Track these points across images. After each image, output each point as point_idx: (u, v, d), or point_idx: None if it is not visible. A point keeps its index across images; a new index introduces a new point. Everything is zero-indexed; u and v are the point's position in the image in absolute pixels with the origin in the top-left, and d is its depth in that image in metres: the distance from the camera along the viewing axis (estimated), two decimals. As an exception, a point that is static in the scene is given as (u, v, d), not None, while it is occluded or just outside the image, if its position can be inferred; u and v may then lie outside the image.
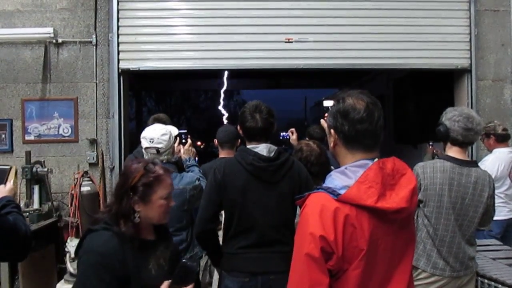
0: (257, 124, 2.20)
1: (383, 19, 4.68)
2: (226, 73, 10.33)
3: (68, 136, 4.57)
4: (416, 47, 4.71)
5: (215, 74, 10.55)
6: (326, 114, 2.30)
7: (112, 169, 4.55)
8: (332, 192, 1.35)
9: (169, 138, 2.57)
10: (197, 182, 2.61)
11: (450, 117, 2.47)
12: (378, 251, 1.35)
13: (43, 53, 4.56)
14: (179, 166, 2.74)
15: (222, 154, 3.44)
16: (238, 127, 2.32)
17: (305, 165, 2.49)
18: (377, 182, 1.34)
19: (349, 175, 1.39)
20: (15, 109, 4.53)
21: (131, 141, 4.92)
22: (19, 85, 4.56)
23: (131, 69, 4.57)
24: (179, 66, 4.63)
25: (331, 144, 1.54)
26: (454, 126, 2.42)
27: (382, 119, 1.46)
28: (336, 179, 1.40)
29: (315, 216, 1.33)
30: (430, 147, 4.95)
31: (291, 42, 4.62)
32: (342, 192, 1.34)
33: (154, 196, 1.69)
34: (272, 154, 2.20)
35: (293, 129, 4.02)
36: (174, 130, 2.71)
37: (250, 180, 2.16)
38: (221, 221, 2.51)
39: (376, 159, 1.43)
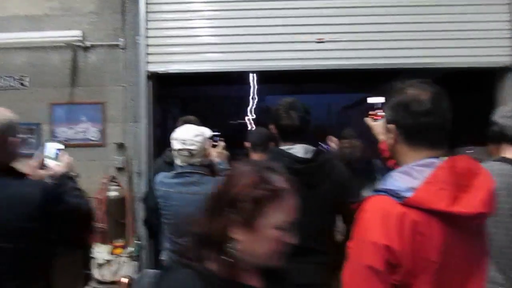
0: (292, 122, 2.05)
1: (419, 16, 4.47)
2: (252, 77, 10.28)
3: (96, 140, 4.51)
4: (455, 45, 4.47)
5: (238, 80, 10.48)
6: (372, 112, 2.14)
7: (139, 174, 4.45)
8: (395, 195, 1.18)
9: (203, 139, 2.44)
10: None
11: (503, 114, 2.26)
12: (451, 264, 1.17)
13: (71, 57, 4.53)
14: (212, 170, 2.61)
15: (254, 157, 3.29)
16: (271, 126, 2.17)
17: (349, 162, 2.35)
18: (448, 183, 1.16)
19: (414, 175, 1.22)
20: (43, 113, 4.50)
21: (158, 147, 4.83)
22: (47, 89, 4.53)
23: (159, 72, 4.48)
24: (208, 68, 4.52)
25: (390, 141, 1.37)
26: (509, 122, 2.21)
27: (450, 111, 1.29)
28: (398, 180, 1.23)
29: (376, 222, 1.16)
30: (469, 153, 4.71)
31: (323, 42, 4.46)
32: (407, 195, 1.16)
33: (266, 220, 1.11)
34: (309, 155, 2.03)
35: (330, 136, 3.85)
36: (207, 132, 2.58)
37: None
38: None
39: (444, 157, 1.26)
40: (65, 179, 1.88)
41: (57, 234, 1.71)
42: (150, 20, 4.50)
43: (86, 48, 4.52)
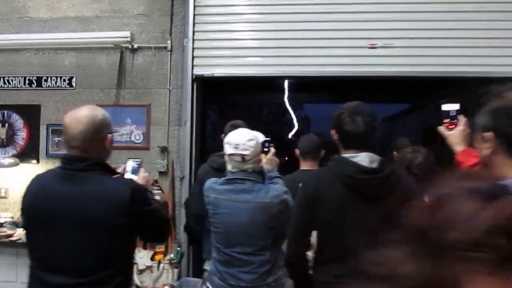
0: (358, 128, 1.86)
1: (482, 23, 4.19)
2: (288, 83, 10.14)
3: (139, 143, 4.47)
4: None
5: (277, 87, 10.35)
6: (446, 121, 1.93)
7: (182, 179, 4.37)
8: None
9: (256, 144, 2.30)
10: (285, 196, 2.31)
11: None
12: None
13: (119, 59, 4.52)
14: (263, 177, 2.47)
15: (304, 165, 3.13)
16: (332, 132, 1.99)
17: (410, 169, 2.17)
18: None
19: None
20: (89, 114, 4.50)
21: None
22: (94, 90, 4.54)
23: (205, 75, 4.40)
24: (254, 73, 4.40)
25: (485, 152, 1.19)
26: None
27: None
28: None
29: None
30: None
31: (375, 47, 4.26)
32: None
33: None
34: (374, 165, 1.85)
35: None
36: (260, 137, 2.44)
37: (348, 195, 1.82)
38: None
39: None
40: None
41: (139, 232, 1.81)
42: (197, 23, 4.44)
43: (133, 50, 4.50)
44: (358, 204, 1.82)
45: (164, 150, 4.40)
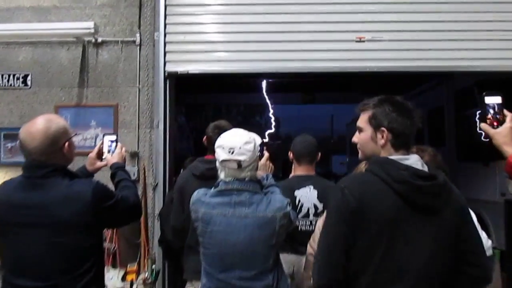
0: (412, 123, 1.54)
1: (471, 14, 3.99)
2: (265, 84, 9.83)
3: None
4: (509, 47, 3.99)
5: (250, 88, 10.02)
6: (490, 116, 1.62)
7: (155, 187, 3.93)
8: None
9: (254, 148, 1.93)
10: (288, 208, 1.95)
11: None
12: None
13: (81, 54, 4.04)
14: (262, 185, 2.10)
15: (299, 170, 2.78)
16: (383, 129, 1.57)
17: None
18: None
19: None
20: (48, 116, 3.99)
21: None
22: (53, 89, 4.03)
23: (179, 72, 3.98)
24: (232, 69, 4.02)
25: None
26: None
27: None
28: None
29: None
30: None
31: (363, 41, 3.97)
32: None
33: None
34: (426, 169, 1.52)
35: None
36: (258, 139, 2.08)
37: (401, 207, 1.46)
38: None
39: None
40: (118, 169, 2.14)
41: (107, 225, 1.95)
42: (169, 15, 4.02)
43: (97, 44, 4.03)
44: (412, 217, 1.46)
45: (134, 155, 3.95)
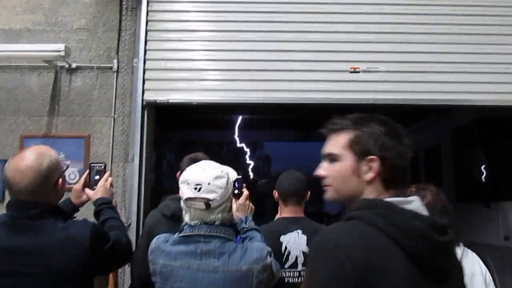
0: (408, 152, 1.16)
1: (472, 46, 3.76)
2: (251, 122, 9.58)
3: (74, 184, 3.59)
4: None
5: (237, 124, 9.77)
6: None
7: (127, 227, 3.52)
8: None
9: (226, 183, 1.57)
10: (268, 259, 1.58)
11: None
12: None
13: (53, 80, 3.72)
14: (237, 230, 1.73)
15: (285, 212, 2.41)
16: (374, 164, 1.16)
17: None
18: None
19: None
20: (12, 147, 3.61)
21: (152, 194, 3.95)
22: (19, 118, 3.68)
23: (158, 101, 3.66)
24: (218, 99, 3.71)
25: None
26: None
27: None
28: None
29: None
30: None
31: (358, 72, 3.71)
32: None
33: None
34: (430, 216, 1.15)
35: None
36: (232, 173, 1.72)
37: (414, 271, 1.01)
38: None
39: None
40: (103, 206, 1.88)
41: (100, 270, 1.74)
42: (150, 40, 3.75)
43: (71, 70, 3.72)
44: (425, 285, 1.04)
45: (105, 191, 3.56)
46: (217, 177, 1.54)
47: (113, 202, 3.41)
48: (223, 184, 1.55)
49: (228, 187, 1.58)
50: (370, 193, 1.13)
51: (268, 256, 1.58)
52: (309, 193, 2.44)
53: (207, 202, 1.52)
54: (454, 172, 6.97)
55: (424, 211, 1.10)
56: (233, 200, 2.04)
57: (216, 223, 1.55)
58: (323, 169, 1.20)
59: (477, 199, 6.24)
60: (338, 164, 1.17)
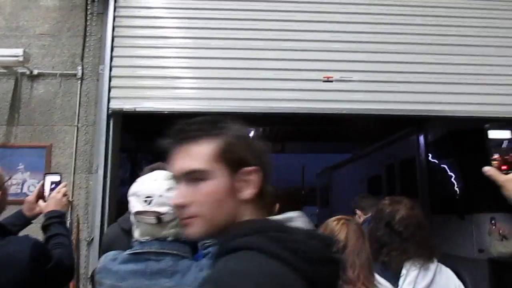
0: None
1: (445, 57, 3.74)
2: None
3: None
4: (488, 92, 3.73)
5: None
6: (495, 157, 1.19)
7: (90, 242, 3.33)
8: None
9: (181, 196, 1.43)
10: None
11: None
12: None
13: (13, 87, 3.53)
14: (194, 246, 1.59)
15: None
16: (245, 169, 0.92)
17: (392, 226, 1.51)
18: None
19: None
20: (-34, 158, 3.41)
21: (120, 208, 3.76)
22: (-25, 126, 3.48)
23: (124, 110, 3.51)
24: (189, 108, 3.56)
25: None
26: None
27: None
28: None
29: None
30: (494, 226, 3.93)
31: (331, 81, 3.63)
32: None
33: None
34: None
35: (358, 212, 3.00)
36: None
37: None
38: None
39: None
40: (52, 220, 1.77)
41: None
42: (117, 46, 3.60)
43: (33, 77, 3.55)
44: None
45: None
46: (169, 189, 1.40)
47: (71, 215, 3.24)
48: None
49: None
50: (248, 216, 0.88)
51: None
52: (277, 205, 2.32)
53: (159, 216, 1.37)
54: (429, 184, 6.98)
55: (310, 226, 0.95)
56: None
57: (169, 239, 1.41)
58: (182, 195, 0.88)
59: (451, 211, 6.23)
60: (207, 184, 0.87)
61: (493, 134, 1.22)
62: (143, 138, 9.58)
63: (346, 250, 1.57)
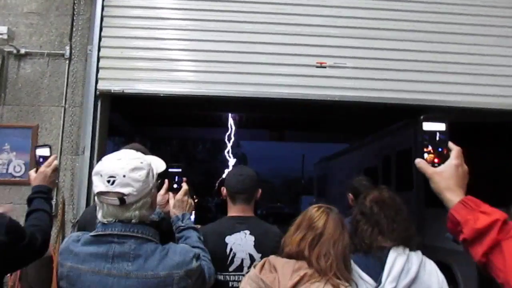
0: None
1: (443, 45, 3.65)
2: (229, 118, 9.37)
3: (19, 177, 3.36)
4: (484, 82, 3.64)
5: (214, 122, 9.56)
6: (429, 149, 1.14)
7: (75, 225, 3.29)
8: None
9: (146, 176, 1.37)
10: (194, 263, 1.39)
11: None
12: None
13: (-1, 66, 3.47)
14: (164, 229, 1.53)
15: (234, 211, 2.21)
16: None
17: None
18: None
19: None
20: (-49, 137, 3.36)
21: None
22: (-40, 105, 3.42)
23: (112, 91, 3.45)
24: (178, 91, 3.50)
25: None
26: None
27: None
28: None
29: None
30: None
31: (324, 67, 3.55)
32: None
33: None
34: None
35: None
36: (158, 164, 1.52)
37: None
38: None
39: None
40: (36, 195, 1.78)
41: (10, 271, 1.66)
42: (106, 27, 3.53)
43: (20, 56, 3.48)
44: None
45: (52, 186, 3.32)
46: (134, 169, 1.34)
47: (57, 196, 3.20)
48: (142, 177, 1.35)
49: (149, 180, 1.38)
50: None
51: (194, 260, 1.39)
52: (260, 191, 2.26)
53: (122, 197, 1.31)
54: (424, 177, 6.87)
55: None
56: (171, 195, 1.85)
57: (133, 221, 1.35)
58: None
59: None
60: None
61: (428, 126, 1.18)
62: (142, 124, 9.57)
63: (322, 238, 1.51)
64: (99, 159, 3.37)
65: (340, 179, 10.69)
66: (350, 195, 3.08)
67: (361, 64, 3.59)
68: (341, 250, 1.50)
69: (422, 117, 1.20)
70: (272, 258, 1.50)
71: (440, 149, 1.17)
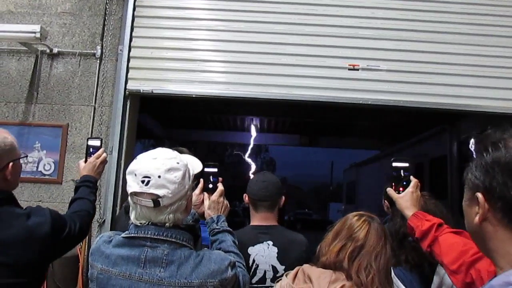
0: None
1: (483, 48, 3.49)
2: (255, 123, 9.30)
3: (49, 175, 3.38)
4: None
5: (241, 126, 9.52)
6: (396, 181, 1.70)
7: (101, 224, 3.29)
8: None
9: (183, 177, 1.31)
10: (229, 272, 1.32)
11: None
12: None
13: (32, 65, 3.51)
14: (196, 234, 1.47)
15: (256, 219, 2.13)
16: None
17: None
18: None
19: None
20: (-15, 134, 3.40)
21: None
22: (-6, 103, 3.47)
23: (142, 91, 3.43)
24: (207, 92, 3.46)
25: (475, 218, 0.95)
26: None
27: None
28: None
29: None
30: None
31: (357, 69, 3.45)
32: None
33: None
34: None
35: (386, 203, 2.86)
36: (195, 165, 1.47)
37: None
38: None
39: None
40: (82, 184, 1.88)
41: (58, 255, 1.64)
42: (137, 27, 3.53)
43: (53, 56, 3.51)
44: None
45: (81, 185, 3.32)
46: (170, 169, 1.28)
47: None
48: (178, 179, 1.29)
49: (185, 182, 1.32)
50: None
51: (230, 269, 1.32)
52: (283, 198, 2.17)
53: (156, 199, 1.26)
54: (459, 185, 6.66)
55: None
56: (206, 196, 1.80)
57: (167, 225, 1.29)
58: None
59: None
60: None
61: (396, 164, 1.71)
62: (173, 126, 9.61)
63: (363, 250, 1.41)
64: (126, 160, 3.38)
65: (370, 186, 10.49)
66: (386, 202, 2.97)
67: (395, 67, 3.47)
68: (383, 263, 1.40)
69: (392, 158, 1.74)
70: (306, 267, 1.42)
71: (404, 182, 1.67)
